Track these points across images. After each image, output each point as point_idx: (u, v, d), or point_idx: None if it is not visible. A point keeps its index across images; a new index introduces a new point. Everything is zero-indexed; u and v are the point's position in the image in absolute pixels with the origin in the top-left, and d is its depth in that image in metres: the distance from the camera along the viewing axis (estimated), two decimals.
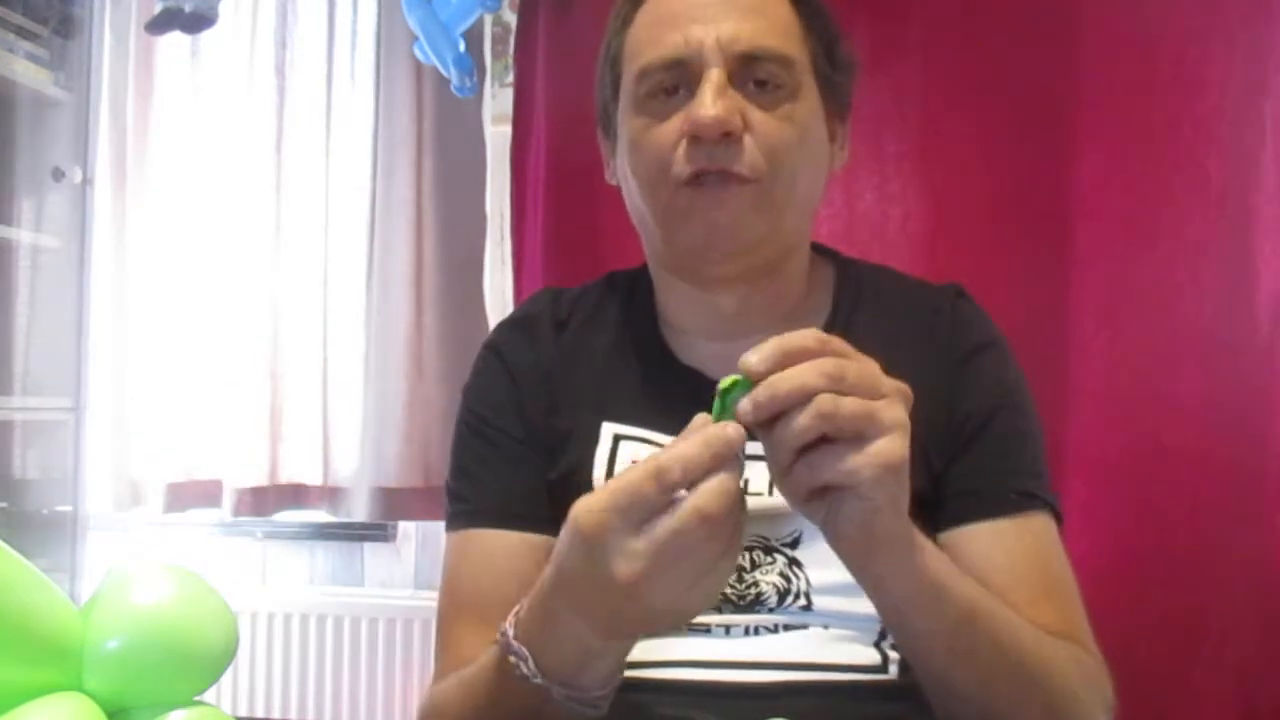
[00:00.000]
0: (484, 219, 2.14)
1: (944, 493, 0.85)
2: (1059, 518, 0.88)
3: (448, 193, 2.20)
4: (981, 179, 1.54)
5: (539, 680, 0.68)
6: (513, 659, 0.69)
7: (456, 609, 0.89)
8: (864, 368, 0.62)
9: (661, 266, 0.93)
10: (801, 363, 0.60)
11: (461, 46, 1.82)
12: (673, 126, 0.83)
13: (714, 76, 0.81)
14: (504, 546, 0.87)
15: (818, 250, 0.97)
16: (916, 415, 0.85)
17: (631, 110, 0.87)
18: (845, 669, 0.81)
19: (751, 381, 0.61)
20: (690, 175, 0.82)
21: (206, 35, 2.05)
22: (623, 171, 0.90)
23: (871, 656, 0.82)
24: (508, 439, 0.91)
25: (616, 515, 0.60)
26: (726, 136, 0.80)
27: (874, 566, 0.68)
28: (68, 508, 2.26)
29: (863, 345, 0.88)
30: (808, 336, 0.62)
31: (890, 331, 0.90)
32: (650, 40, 0.85)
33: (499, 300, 2.10)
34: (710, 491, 0.59)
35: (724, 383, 0.62)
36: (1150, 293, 1.46)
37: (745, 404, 0.60)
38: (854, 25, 1.59)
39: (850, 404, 0.59)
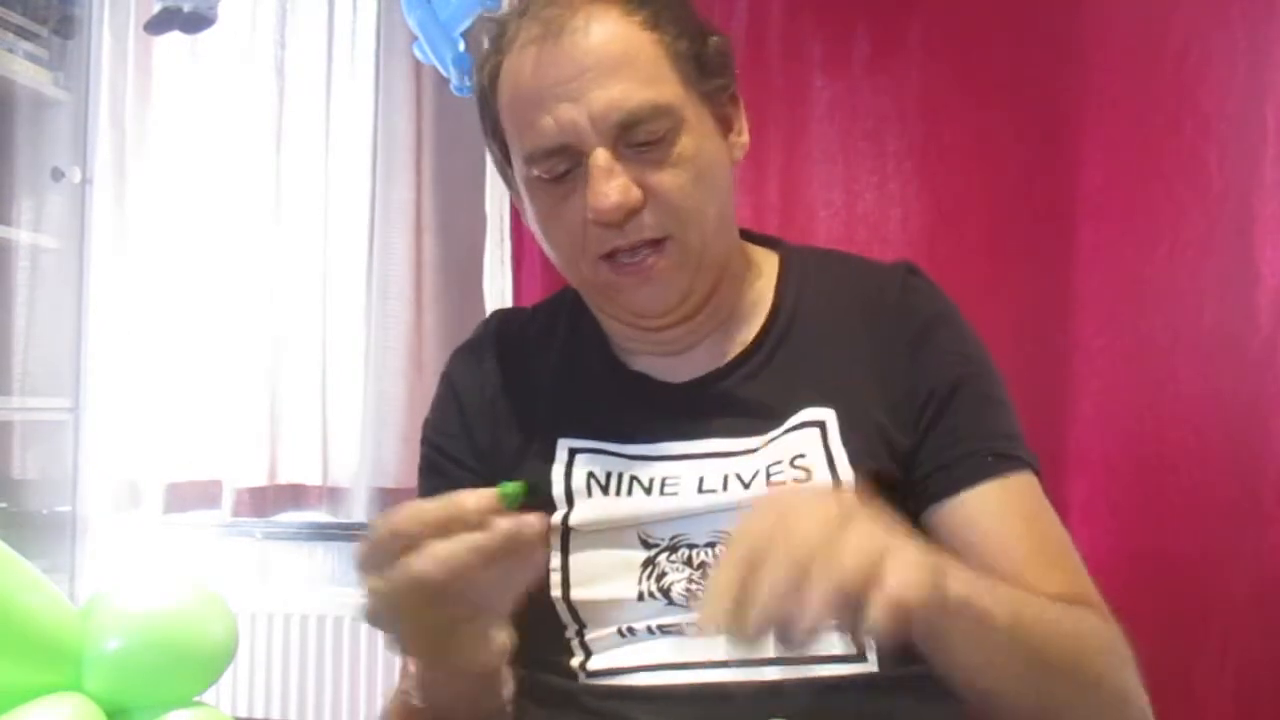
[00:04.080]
0: (484, 219, 2.13)
1: (919, 473, 0.85)
2: (1040, 477, 0.87)
3: (448, 193, 2.20)
4: (982, 179, 1.54)
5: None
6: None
7: None
8: (803, 540, 0.56)
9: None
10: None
11: (461, 46, 1.82)
12: (574, 209, 0.83)
13: (600, 160, 0.80)
14: None
15: (760, 241, 0.97)
16: (872, 397, 0.85)
17: (529, 189, 0.86)
18: (823, 661, 0.80)
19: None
20: (605, 254, 0.83)
21: (206, 35, 2.05)
22: (536, 235, 0.90)
23: (847, 645, 0.81)
24: (460, 471, 0.92)
25: (364, 552, 0.64)
26: (630, 214, 0.81)
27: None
28: (66, 508, 2.26)
29: (808, 330, 0.90)
30: (736, 560, 0.57)
31: (837, 313, 0.90)
32: (524, 123, 0.83)
33: (499, 300, 2.10)
34: (429, 555, 0.61)
35: (506, 487, 0.66)
36: (1151, 292, 1.46)
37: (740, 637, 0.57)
38: (854, 25, 1.59)
39: (814, 594, 0.55)
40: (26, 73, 2.20)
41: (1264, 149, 1.42)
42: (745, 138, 0.91)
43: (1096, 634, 0.79)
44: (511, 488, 0.65)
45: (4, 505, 2.24)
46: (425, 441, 0.96)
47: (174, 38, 2.04)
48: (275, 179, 2.27)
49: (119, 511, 2.28)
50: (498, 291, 2.12)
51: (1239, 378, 1.42)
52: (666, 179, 0.82)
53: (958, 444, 0.84)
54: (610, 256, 0.84)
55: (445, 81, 1.90)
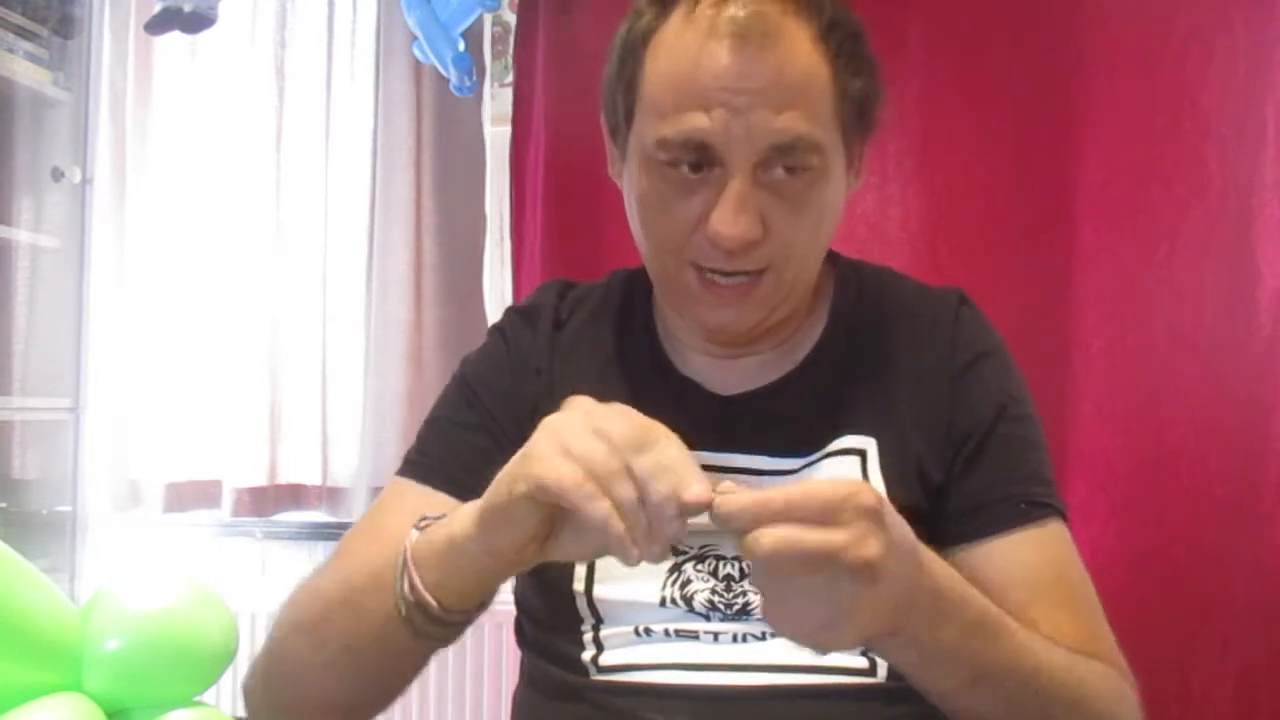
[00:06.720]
0: (483, 219, 2.13)
1: (951, 509, 0.84)
2: (1068, 524, 0.87)
3: (447, 193, 2.20)
4: (982, 179, 1.54)
5: (407, 550, 0.71)
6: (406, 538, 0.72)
7: (364, 533, 0.88)
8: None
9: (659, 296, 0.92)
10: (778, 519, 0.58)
11: (461, 46, 1.82)
12: (688, 209, 0.80)
13: (737, 187, 0.78)
14: (433, 505, 0.84)
15: None
16: (912, 426, 0.84)
17: (645, 165, 0.83)
18: (832, 671, 0.80)
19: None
20: (702, 267, 0.82)
21: (206, 35, 2.05)
22: (628, 203, 0.87)
23: (858, 661, 0.81)
24: (485, 413, 0.91)
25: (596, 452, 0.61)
26: (747, 247, 0.79)
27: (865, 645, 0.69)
28: (67, 508, 2.26)
29: (858, 356, 0.89)
30: (786, 502, 0.59)
31: (886, 340, 0.90)
32: (674, 105, 0.79)
33: (498, 300, 2.10)
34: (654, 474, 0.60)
35: None
36: (1150, 293, 1.46)
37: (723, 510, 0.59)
38: None
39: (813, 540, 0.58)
40: (26, 73, 2.20)
41: (1264, 149, 1.42)
42: (859, 181, 0.89)
43: (1104, 682, 0.77)
44: None
45: (4, 505, 2.24)
46: (463, 376, 0.95)
47: (174, 38, 2.05)
48: (275, 179, 2.27)
49: (119, 511, 2.28)
50: (497, 292, 2.12)
51: (1239, 378, 1.42)
52: (791, 223, 0.80)
53: (992, 487, 0.84)
54: (702, 269, 0.82)
55: (445, 81, 1.90)
